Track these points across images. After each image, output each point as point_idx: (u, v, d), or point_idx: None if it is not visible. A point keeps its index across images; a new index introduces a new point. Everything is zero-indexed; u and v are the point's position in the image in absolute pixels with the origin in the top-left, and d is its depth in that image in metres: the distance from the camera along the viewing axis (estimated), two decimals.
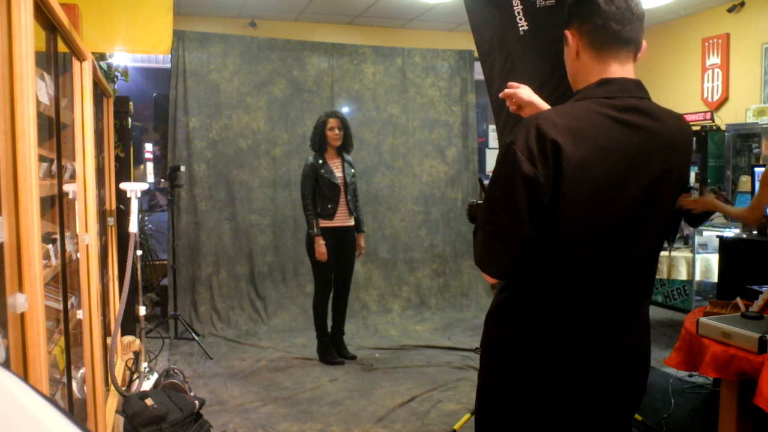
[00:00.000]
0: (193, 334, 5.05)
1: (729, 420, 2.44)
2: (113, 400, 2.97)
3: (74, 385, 2.14)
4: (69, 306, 2.07)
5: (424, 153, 6.33)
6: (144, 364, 3.56)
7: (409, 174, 6.27)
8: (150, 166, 7.29)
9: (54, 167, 1.92)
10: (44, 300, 1.40)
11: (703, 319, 2.49)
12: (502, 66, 2.77)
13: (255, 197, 5.76)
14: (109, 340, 2.99)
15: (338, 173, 4.46)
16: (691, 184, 5.40)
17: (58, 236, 1.91)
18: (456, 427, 3.35)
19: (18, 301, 1.24)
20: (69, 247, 2.11)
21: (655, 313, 5.64)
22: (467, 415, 3.39)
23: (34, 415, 0.58)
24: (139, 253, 3.60)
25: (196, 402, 2.91)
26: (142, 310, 3.55)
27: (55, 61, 1.86)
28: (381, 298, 6.06)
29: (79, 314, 2.29)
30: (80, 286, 2.29)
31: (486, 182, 1.55)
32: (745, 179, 5.37)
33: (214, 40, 5.71)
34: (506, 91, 1.64)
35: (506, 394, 1.41)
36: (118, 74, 4.55)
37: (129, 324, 4.28)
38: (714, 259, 4.78)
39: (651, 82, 6.18)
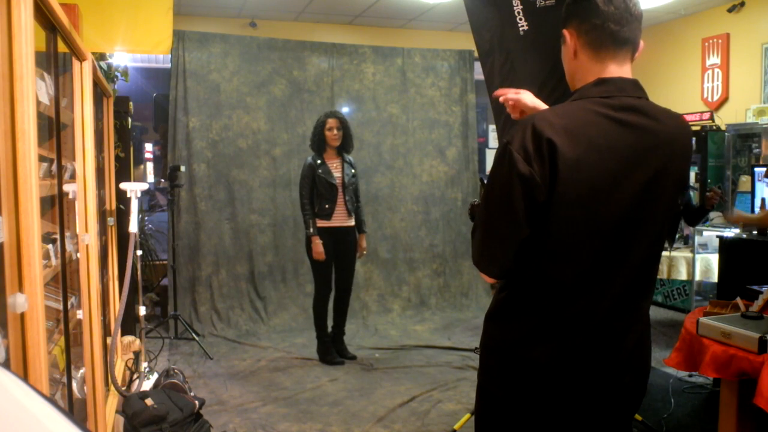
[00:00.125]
0: (193, 334, 5.05)
1: (729, 420, 2.44)
2: (113, 400, 2.97)
3: (74, 385, 2.14)
4: (69, 306, 2.07)
5: (424, 153, 6.33)
6: (144, 364, 3.56)
7: (409, 174, 6.27)
8: (150, 166, 7.28)
9: (54, 167, 1.92)
10: (44, 300, 1.40)
11: (703, 319, 2.49)
12: (502, 66, 2.77)
13: (255, 197, 5.77)
14: (109, 340, 2.99)
15: (337, 173, 4.46)
16: (691, 184, 5.41)
17: (58, 236, 1.91)
18: (456, 427, 3.35)
19: (18, 301, 1.24)
20: (69, 247, 2.11)
21: (655, 313, 5.63)
22: (467, 415, 3.39)
23: (34, 415, 0.58)
24: (139, 253, 3.60)
25: (196, 402, 2.91)
26: (142, 310, 3.55)
27: (55, 61, 1.86)
28: (381, 298, 6.06)
29: (79, 314, 2.29)
30: (80, 286, 2.29)
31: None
32: (745, 179, 5.36)
33: (214, 40, 5.71)
34: (509, 96, 1.59)
35: (506, 394, 1.41)
36: (118, 74, 4.55)
37: (129, 324, 4.28)
38: (714, 259, 4.78)
39: (651, 82, 6.22)
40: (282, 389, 4.03)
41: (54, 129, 1.94)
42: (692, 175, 5.55)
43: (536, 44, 2.59)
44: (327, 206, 4.42)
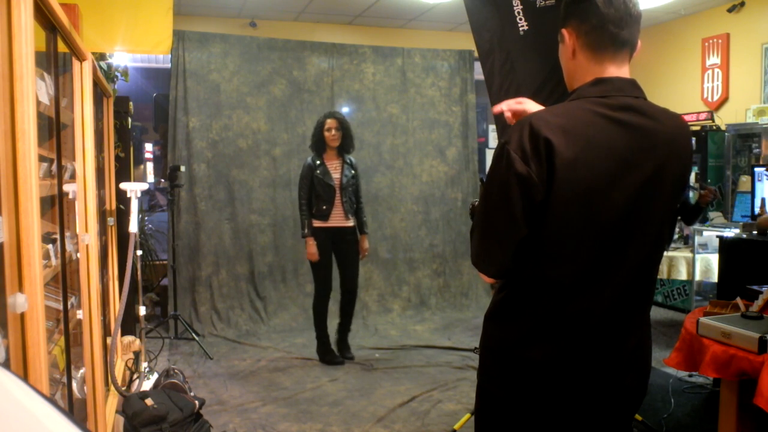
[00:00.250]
0: (193, 334, 5.05)
1: (729, 420, 2.44)
2: (113, 400, 2.97)
3: (74, 385, 2.14)
4: (69, 306, 2.07)
5: (424, 153, 6.33)
6: (144, 364, 3.56)
7: (409, 174, 6.27)
8: (150, 166, 7.28)
9: (54, 167, 1.92)
10: (44, 300, 1.40)
11: (703, 319, 2.49)
12: (502, 66, 2.76)
13: (255, 197, 5.77)
14: (109, 340, 2.99)
15: (336, 174, 4.46)
16: (691, 184, 5.41)
17: (58, 236, 1.91)
18: (456, 427, 3.35)
19: (18, 301, 1.24)
20: (69, 247, 2.11)
21: (655, 313, 5.63)
22: (467, 415, 3.39)
23: (34, 415, 0.58)
24: (139, 253, 3.60)
25: (196, 402, 2.91)
26: (142, 310, 3.55)
27: (55, 61, 1.86)
28: (381, 298, 6.06)
29: (79, 314, 2.29)
30: (80, 286, 2.29)
31: None
32: (745, 179, 5.36)
33: (214, 40, 5.71)
34: (514, 108, 1.53)
35: (505, 394, 1.41)
36: (118, 74, 4.55)
37: (129, 324, 4.28)
38: (714, 259, 4.78)
39: (651, 82, 6.23)
40: (282, 389, 4.03)
41: (54, 129, 1.94)
42: (692, 175, 5.55)
43: (536, 44, 2.59)
44: (324, 207, 4.42)
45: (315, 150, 4.50)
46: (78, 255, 2.27)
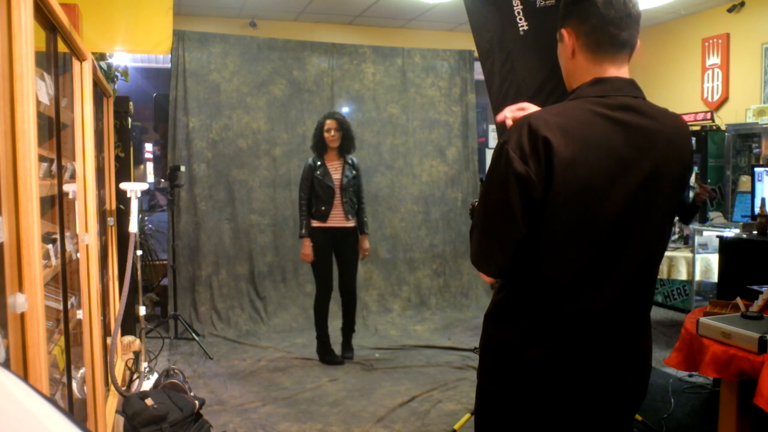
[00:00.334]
0: (193, 334, 5.05)
1: (729, 420, 2.44)
2: (113, 400, 2.97)
3: (74, 385, 2.14)
4: (69, 306, 2.07)
5: (424, 153, 6.33)
6: (144, 364, 3.55)
7: (409, 174, 6.27)
8: (150, 166, 7.29)
9: (54, 167, 1.92)
10: (44, 300, 1.40)
11: (703, 319, 2.49)
12: (502, 66, 2.76)
13: (255, 197, 5.77)
14: (109, 340, 2.99)
15: (336, 175, 4.46)
16: (691, 184, 5.41)
17: (58, 236, 1.91)
18: (456, 427, 3.35)
19: (18, 301, 1.24)
20: (69, 247, 2.11)
21: (655, 313, 5.63)
22: (467, 415, 3.39)
23: (34, 415, 0.58)
24: (139, 253, 3.60)
25: (196, 402, 2.91)
26: (142, 310, 3.55)
27: (55, 61, 1.86)
28: (381, 298, 6.06)
29: (79, 314, 2.29)
30: (80, 286, 2.29)
31: None
32: (745, 179, 5.36)
33: (214, 40, 5.71)
34: (517, 115, 1.50)
35: (505, 394, 1.41)
36: (118, 74, 4.55)
37: (129, 324, 4.27)
38: (714, 259, 4.78)
39: (651, 82, 6.23)
40: (282, 389, 4.03)
41: (54, 129, 1.94)
42: (692, 175, 5.55)
43: (536, 44, 2.59)
44: (323, 208, 4.43)
45: (316, 151, 4.50)
46: (78, 255, 2.27)
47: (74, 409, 2.10)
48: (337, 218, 4.47)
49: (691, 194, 4.05)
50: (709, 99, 5.98)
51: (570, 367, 1.35)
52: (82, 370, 2.33)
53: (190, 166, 5.58)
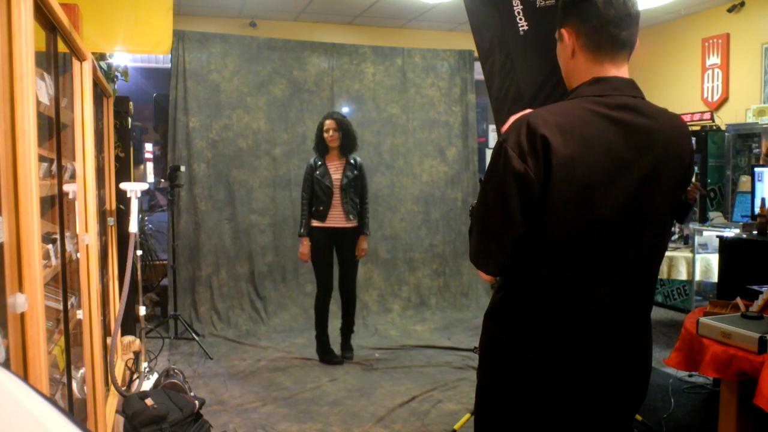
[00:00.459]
0: (193, 334, 5.05)
1: (729, 420, 2.44)
2: (113, 400, 2.97)
3: (74, 385, 2.14)
4: (69, 306, 2.07)
5: (424, 153, 6.33)
6: (144, 364, 3.55)
7: (409, 174, 6.27)
8: (150, 166, 7.29)
9: (54, 167, 1.92)
10: (44, 300, 1.40)
11: (703, 319, 2.49)
12: (502, 66, 2.76)
13: (255, 197, 5.77)
14: (109, 340, 2.99)
15: (336, 175, 4.46)
16: None
17: (58, 236, 1.91)
18: (456, 427, 3.35)
19: (18, 301, 1.24)
20: (69, 247, 2.11)
21: (655, 313, 5.61)
22: (467, 415, 3.39)
23: (34, 415, 0.58)
24: (139, 253, 3.59)
25: (196, 402, 2.91)
26: (142, 310, 3.55)
27: (55, 61, 1.86)
28: (381, 298, 6.06)
29: (79, 314, 2.29)
30: (80, 286, 2.29)
31: None
32: (745, 179, 5.36)
33: (214, 40, 5.71)
34: None
35: (504, 394, 1.41)
36: (118, 74, 4.55)
37: (129, 324, 4.28)
38: (714, 259, 4.78)
39: (651, 82, 6.23)
40: (282, 389, 4.03)
41: (54, 129, 1.94)
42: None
43: (536, 44, 2.58)
44: (322, 208, 4.44)
45: (317, 151, 4.51)
46: (78, 255, 2.27)
47: (74, 409, 2.10)
48: (337, 218, 4.47)
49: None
50: (709, 99, 5.98)
51: (570, 367, 1.35)
52: (82, 370, 2.33)
53: (190, 166, 5.58)
